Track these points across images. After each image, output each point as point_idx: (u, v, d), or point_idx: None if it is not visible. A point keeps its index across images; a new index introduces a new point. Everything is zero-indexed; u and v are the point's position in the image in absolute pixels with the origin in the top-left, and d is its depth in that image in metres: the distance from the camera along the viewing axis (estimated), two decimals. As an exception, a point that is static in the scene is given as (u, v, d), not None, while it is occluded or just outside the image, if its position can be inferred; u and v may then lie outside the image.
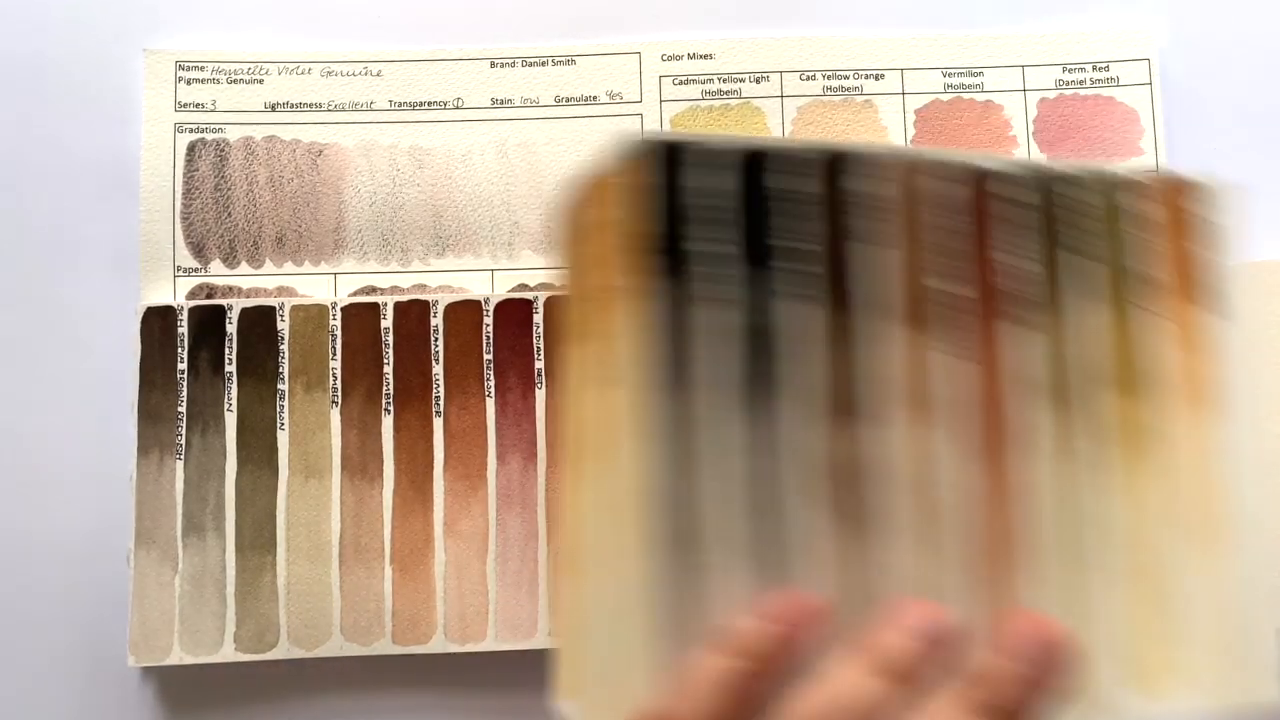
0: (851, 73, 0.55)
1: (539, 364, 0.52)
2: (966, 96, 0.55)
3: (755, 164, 0.30)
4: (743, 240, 0.30)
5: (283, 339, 0.52)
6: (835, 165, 0.31)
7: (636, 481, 0.29)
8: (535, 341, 0.52)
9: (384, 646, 0.50)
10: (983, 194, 0.32)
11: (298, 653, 0.50)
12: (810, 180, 0.30)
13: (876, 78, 0.55)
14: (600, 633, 0.30)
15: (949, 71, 0.55)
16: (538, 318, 0.52)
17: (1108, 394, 0.32)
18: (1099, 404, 0.32)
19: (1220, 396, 0.33)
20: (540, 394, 0.52)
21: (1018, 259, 0.32)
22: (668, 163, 0.30)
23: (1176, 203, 0.33)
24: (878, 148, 0.33)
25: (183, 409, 0.51)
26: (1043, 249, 0.32)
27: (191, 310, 0.51)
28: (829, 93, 0.55)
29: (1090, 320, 0.33)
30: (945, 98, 0.54)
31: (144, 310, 0.51)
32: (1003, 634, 0.29)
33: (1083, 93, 0.55)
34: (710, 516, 0.29)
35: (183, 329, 0.51)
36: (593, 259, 0.30)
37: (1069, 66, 0.55)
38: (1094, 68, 0.55)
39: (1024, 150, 0.54)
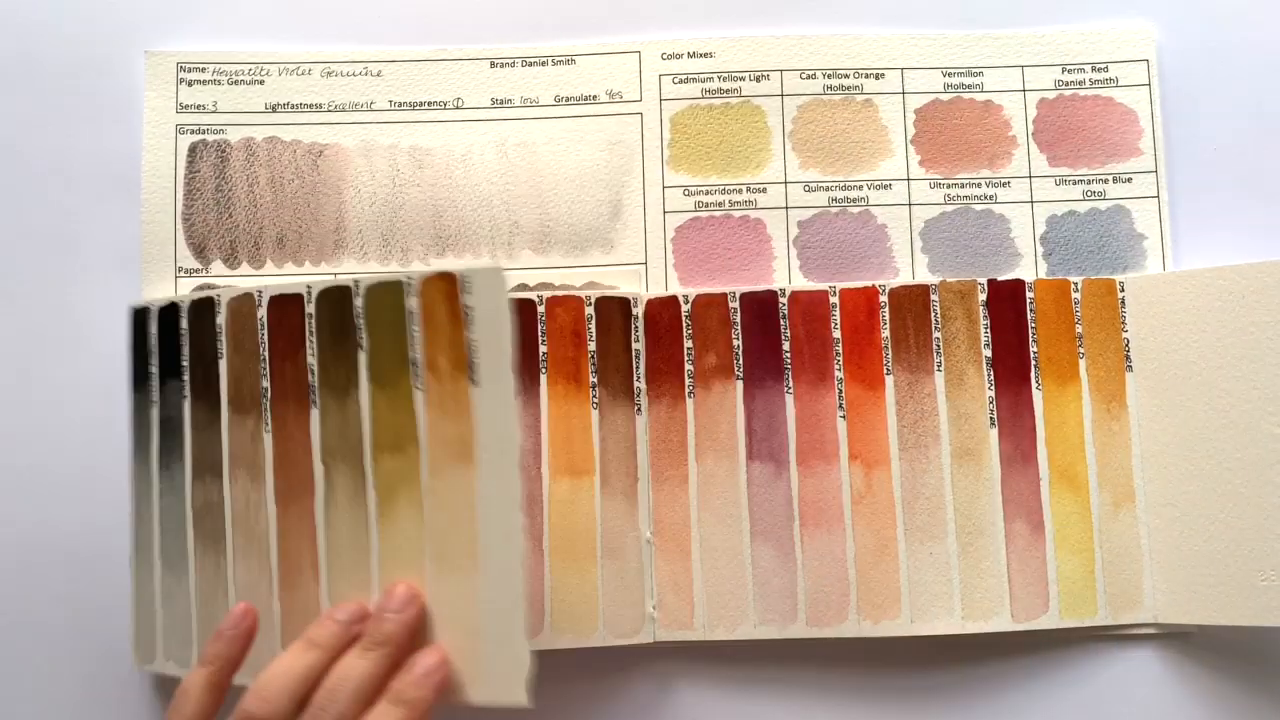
0: (852, 72, 0.55)
1: (542, 364, 0.52)
2: (966, 96, 0.54)
3: (167, 314, 0.49)
4: (162, 363, 0.49)
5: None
6: (198, 306, 0.48)
7: None
8: (539, 340, 0.52)
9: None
10: (289, 312, 0.46)
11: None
12: (182, 319, 0.48)
13: (877, 77, 0.55)
14: None
15: (949, 71, 0.55)
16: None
17: (376, 454, 0.44)
18: (367, 461, 0.45)
19: (473, 450, 0.42)
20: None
21: (313, 358, 0.45)
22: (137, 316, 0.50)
23: (449, 295, 0.43)
24: (232, 291, 0.47)
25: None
26: (334, 348, 0.45)
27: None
28: (829, 91, 0.54)
29: (366, 400, 0.44)
30: (945, 97, 0.54)
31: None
32: (386, 596, 0.44)
33: (1082, 93, 0.54)
34: (158, 540, 0.49)
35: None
36: None
37: (1068, 67, 0.55)
38: (1093, 68, 0.54)
39: (1024, 149, 0.54)
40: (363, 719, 0.42)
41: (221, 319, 0.48)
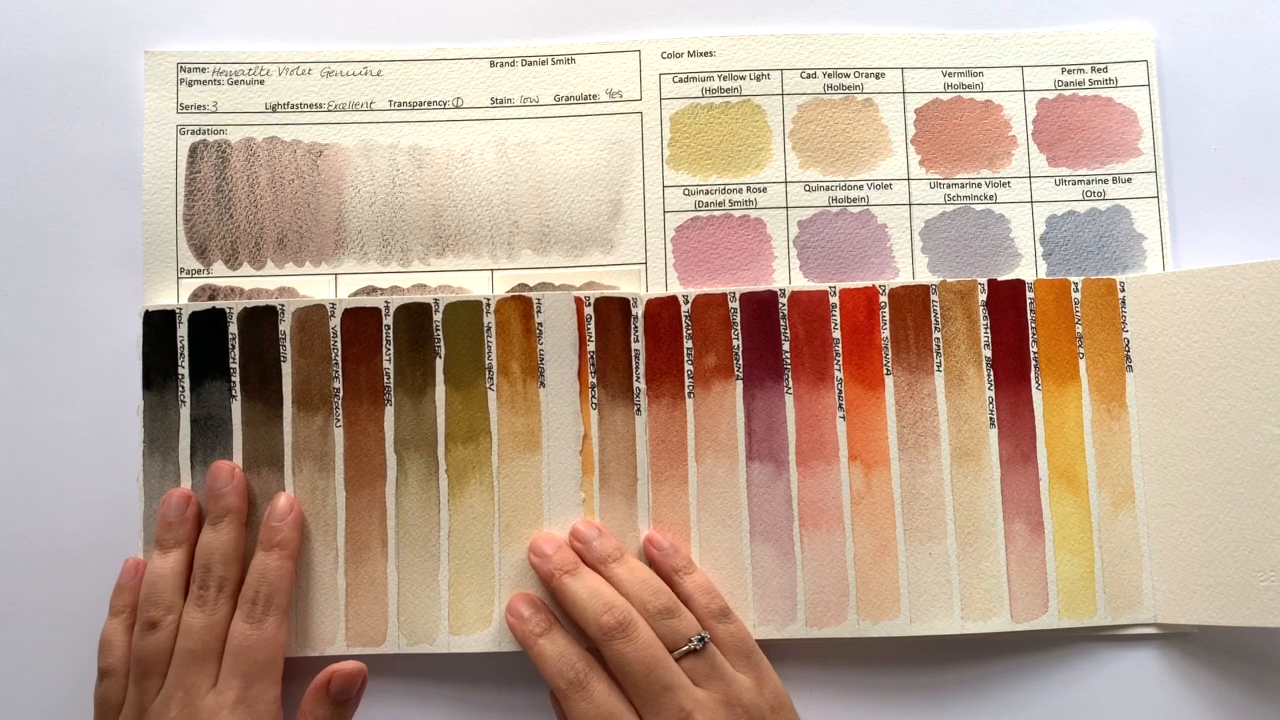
0: (852, 71, 0.54)
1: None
2: (966, 96, 0.54)
3: (201, 318, 0.52)
4: (195, 363, 0.52)
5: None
6: (253, 314, 0.52)
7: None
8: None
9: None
10: (366, 323, 0.52)
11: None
12: (230, 324, 0.52)
13: (877, 76, 0.54)
14: None
15: (949, 71, 0.54)
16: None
17: (450, 444, 0.51)
18: (440, 451, 0.51)
19: (540, 441, 0.51)
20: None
21: (389, 362, 0.52)
22: (158, 319, 0.52)
23: (524, 313, 0.52)
24: (301, 302, 0.52)
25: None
26: (412, 354, 0.52)
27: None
28: (830, 91, 0.54)
29: (442, 398, 0.52)
30: (945, 97, 0.54)
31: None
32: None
33: (1082, 93, 0.54)
34: None
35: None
36: None
37: (1068, 67, 0.54)
38: (1093, 68, 0.54)
39: (1024, 149, 0.54)
40: (249, 576, 0.49)
41: (286, 326, 0.52)
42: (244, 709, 0.46)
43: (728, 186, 0.54)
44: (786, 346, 0.52)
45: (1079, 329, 0.52)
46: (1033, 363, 0.52)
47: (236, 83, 0.54)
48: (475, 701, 0.51)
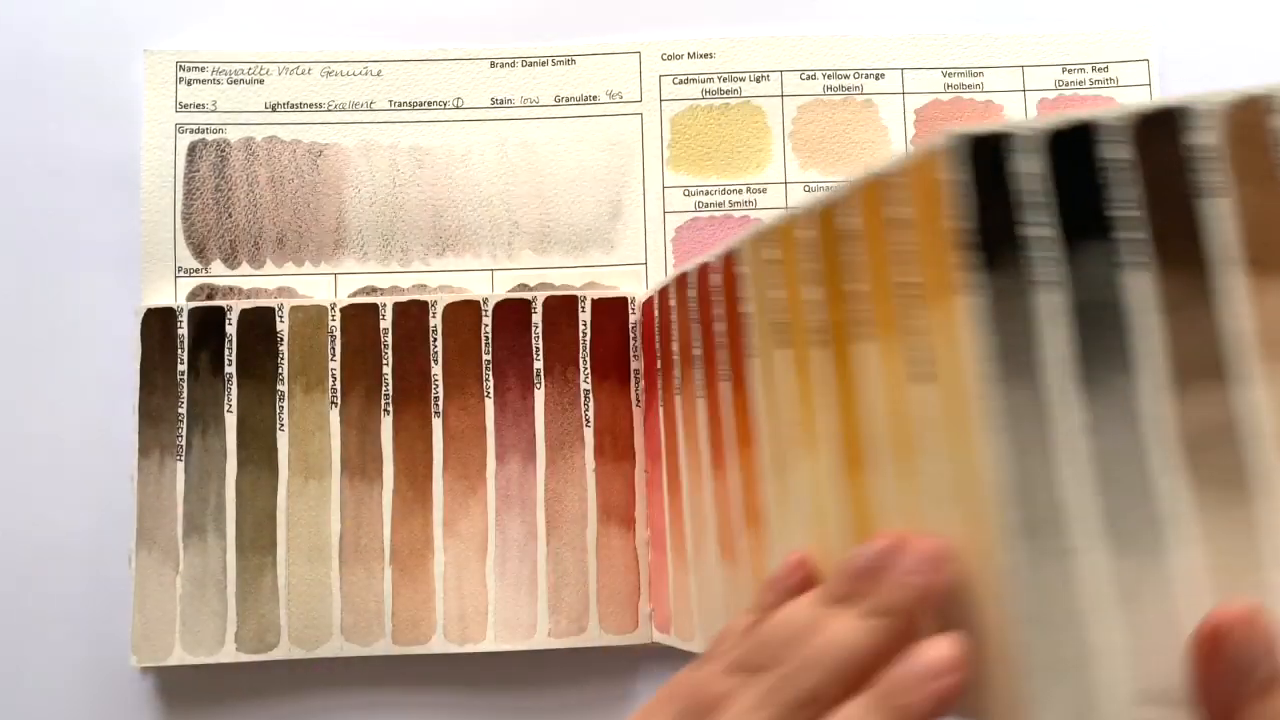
0: (852, 72, 0.55)
1: (538, 364, 0.52)
2: (966, 96, 0.54)
3: (1067, 141, 0.30)
4: (1067, 219, 0.30)
5: (282, 340, 0.52)
6: (1150, 125, 0.31)
7: (988, 473, 0.29)
8: (534, 341, 0.52)
9: (384, 647, 0.50)
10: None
11: (298, 653, 0.50)
12: (1124, 146, 0.30)
13: (877, 77, 0.55)
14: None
15: (949, 71, 0.55)
16: (536, 318, 0.52)
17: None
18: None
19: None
20: (539, 394, 0.52)
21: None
22: (981, 153, 0.30)
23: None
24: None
25: (183, 410, 0.51)
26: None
27: (191, 311, 0.52)
28: (829, 92, 0.54)
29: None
30: (945, 97, 0.54)
31: (144, 311, 0.52)
32: (896, 549, 0.31)
33: (1082, 93, 0.54)
34: (1067, 500, 0.29)
35: (182, 330, 0.52)
36: (904, 255, 0.31)
37: (1068, 67, 0.55)
38: (1093, 68, 0.55)
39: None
40: (837, 712, 0.30)
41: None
42: None
43: (728, 187, 0.54)
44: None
45: None
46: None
47: (236, 82, 0.54)
48: (476, 703, 0.51)
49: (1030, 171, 0.30)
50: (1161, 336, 0.30)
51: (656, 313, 0.50)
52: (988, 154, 0.29)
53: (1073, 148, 0.30)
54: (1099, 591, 0.29)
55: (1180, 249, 0.30)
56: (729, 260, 0.41)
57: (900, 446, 0.32)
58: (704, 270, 0.43)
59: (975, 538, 0.30)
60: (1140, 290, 0.30)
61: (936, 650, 0.30)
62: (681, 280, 0.46)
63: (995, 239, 0.29)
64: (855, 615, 0.31)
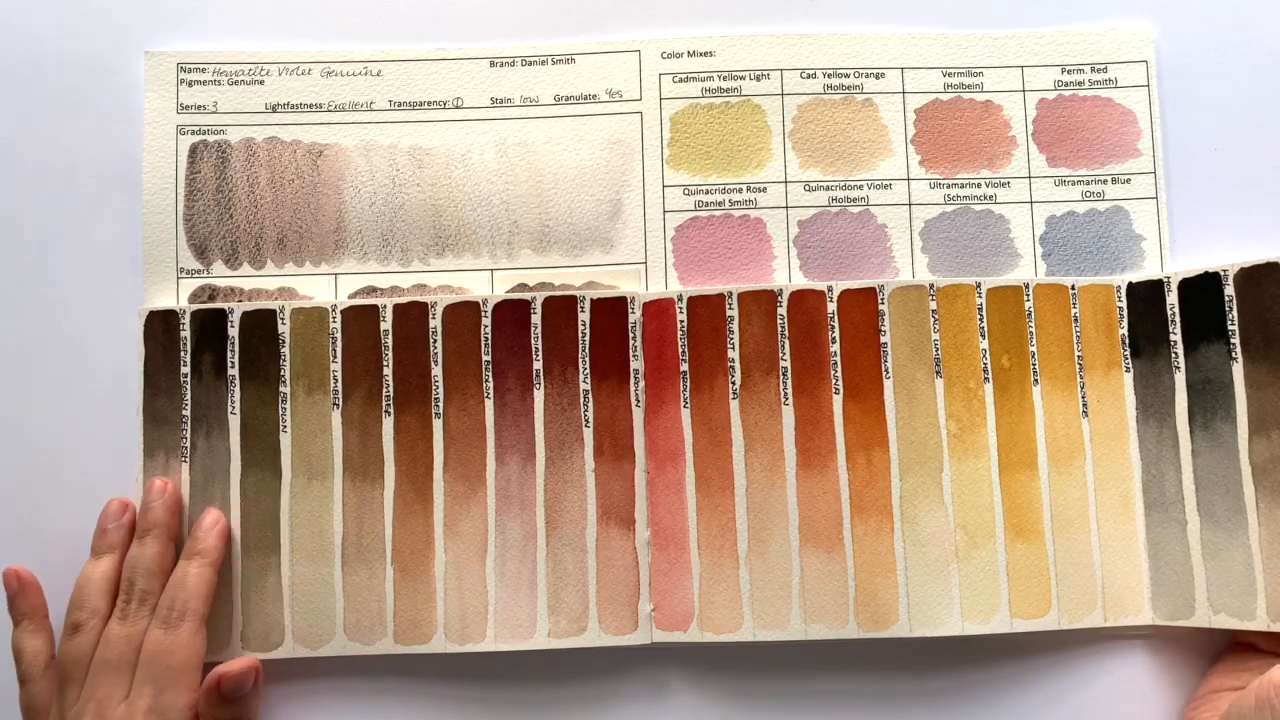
0: (852, 71, 0.54)
1: (537, 365, 0.52)
2: (966, 96, 0.54)
3: (1194, 284, 0.51)
4: (1188, 329, 0.51)
5: (284, 342, 0.52)
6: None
7: (1133, 470, 0.52)
8: (534, 342, 0.52)
9: (386, 646, 0.50)
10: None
11: (302, 651, 0.50)
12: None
13: (877, 76, 0.54)
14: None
15: (949, 71, 0.54)
16: (536, 318, 0.52)
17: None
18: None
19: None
20: (539, 395, 0.52)
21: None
22: (1135, 289, 0.52)
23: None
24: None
25: (187, 412, 0.52)
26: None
27: (193, 314, 0.52)
28: (829, 91, 0.54)
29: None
30: (945, 97, 0.54)
31: (147, 314, 0.52)
32: (146, 490, 0.51)
33: (1081, 93, 0.54)
34: (1181, 492, 0.51)
35: (185, 333, 0.52)
36: (1079, 338, 0.53)
37: (1068, 67, 0.54)
38: (1093, 69, 0.54)
39: (1023, 150, 0.54)
40: (168, 583, 0.49)
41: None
42: (155, 718, 0.47)
43: (728, 186, 0.54)
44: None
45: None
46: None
47: (236, 83, 0.54)
48: (474, 701, 0.52)
49: (1171, 302, 0.51)
50: (1245, 403, 0.50)
51: (681, 320, 0.51)
52: (1144, 289, 0.52)
53: (1198, 286, 0.51)
54: (1196, 547, 0.50)
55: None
56: (866, 295, 0.52)
57: (1058, 455, 0.51)
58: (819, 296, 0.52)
59: (1121, 510, 0.51)
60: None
61: (206, 515, 0.50)
62: (771, 297, 0.52)
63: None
64: (136, 542, 0.50)
